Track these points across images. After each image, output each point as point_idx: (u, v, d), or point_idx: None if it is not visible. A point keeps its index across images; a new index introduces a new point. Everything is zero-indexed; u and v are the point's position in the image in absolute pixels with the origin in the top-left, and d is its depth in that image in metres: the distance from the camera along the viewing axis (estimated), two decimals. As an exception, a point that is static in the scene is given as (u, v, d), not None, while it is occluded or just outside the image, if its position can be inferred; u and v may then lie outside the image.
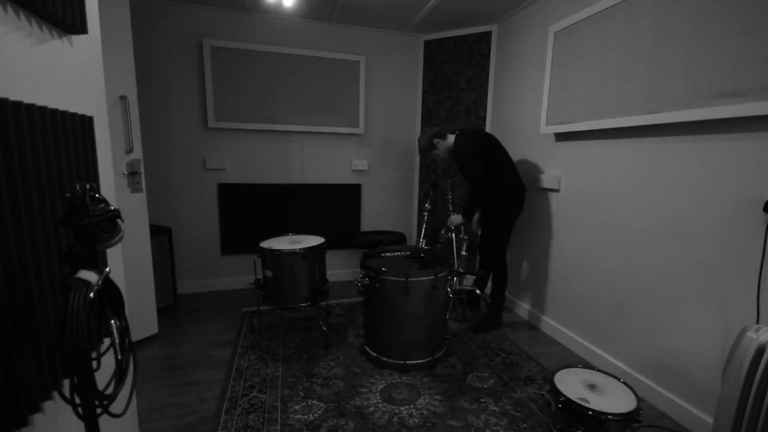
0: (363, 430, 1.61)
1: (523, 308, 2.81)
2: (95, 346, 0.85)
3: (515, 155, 2.85)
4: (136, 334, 2.25)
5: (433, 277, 2.01)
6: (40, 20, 0.93)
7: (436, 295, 2.05)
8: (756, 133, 1.41)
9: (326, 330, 2.45)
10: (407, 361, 2.04)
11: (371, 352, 2.13)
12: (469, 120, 3.26)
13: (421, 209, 3.56)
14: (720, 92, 1.48)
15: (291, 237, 2.55)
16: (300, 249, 2.24)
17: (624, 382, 1.49)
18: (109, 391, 0.80)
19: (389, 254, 2.38)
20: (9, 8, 0.82)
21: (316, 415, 1.69)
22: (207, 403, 1.77)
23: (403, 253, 2.40)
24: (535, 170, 2.63)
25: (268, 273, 2.28)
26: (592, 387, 1.48)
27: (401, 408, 1.75)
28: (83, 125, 1.09)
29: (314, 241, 2.41)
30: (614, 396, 1.41)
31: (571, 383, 1.49)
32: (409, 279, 1.97)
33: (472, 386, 1.93)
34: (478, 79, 3.18)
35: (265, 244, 2.33)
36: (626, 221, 1.95)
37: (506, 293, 3.01)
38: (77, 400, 0.78)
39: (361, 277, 2.12)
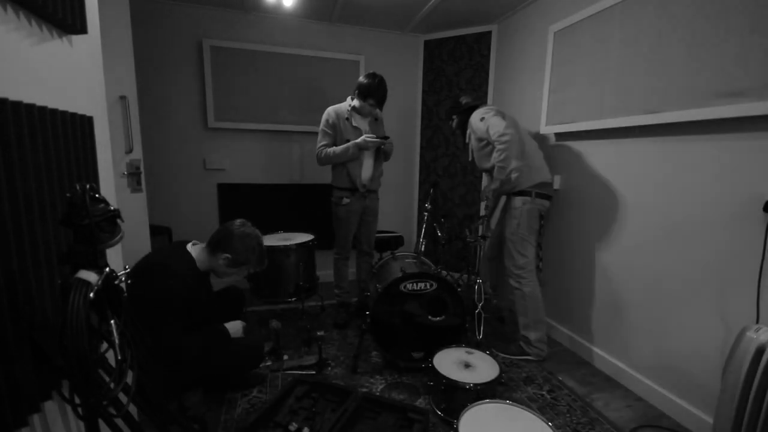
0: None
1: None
2: (97, 347, 0.85)
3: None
4: (136, 334, 2.25)
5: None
6: (40, 20, 0.93)
7: None
8: (756, 133, 1.41)
9: (309, 327, 2.43)
10: None
11: None
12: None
13: (421, 209, 3.56)
14: (720, 92, 1.48)
15: (281, 234, 2.62)
16: (283, 245, 2.29)
17: (489, 354, 1.83)
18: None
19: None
20: (9, 8, 0.82)
21: (316, 415, 1.69)
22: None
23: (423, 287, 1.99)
24: (535, 170, 2.63)
25: None
26: (466, 365, 1.75)
27: (401, 408, 1.75)
28: (83, 125, 1.09)
29: (303, 238, 2.45)
30: (483, 369, 1.71)
31: (448, 364, 1.74)
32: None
33: (472, 386, 1.93)
34: (477, 79, 3.18)
35: None
36: (626, 221, 1.95)
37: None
38: (77, 400, 0.78)
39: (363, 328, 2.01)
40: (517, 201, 2.12)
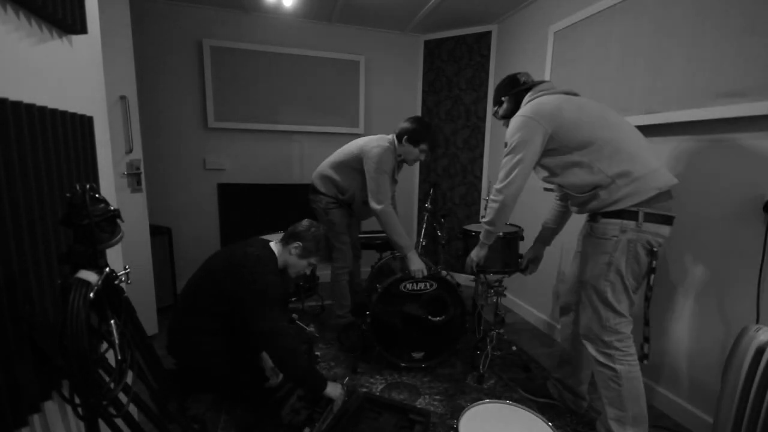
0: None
1: (524, 309, 2.81)
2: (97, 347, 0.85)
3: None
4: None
5: None
6: (40, 20, 0.93)
7: None
8: (756, 133, 1.41)
9: (307, 327, 2.41)
10: None
11: None
12: (469, 120, 3.26)
13: (421, 209, 3.56)
14: (720, 92, 1.48)
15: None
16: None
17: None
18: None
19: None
20: (9, 8, 0.82)
21: (316, 415, 1.69)
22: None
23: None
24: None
25: None
26: None
27: (401, 408, 1.75)
28: (83, 125, 1.09)
29: None
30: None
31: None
32: None
33: (472, 386, 1.93)
34: (477, 79, 3.18)
35: None
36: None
37: (508, 294, 3.01)
38: (77, 400, 0.78)
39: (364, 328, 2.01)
40: (612, 226, 1.35)
